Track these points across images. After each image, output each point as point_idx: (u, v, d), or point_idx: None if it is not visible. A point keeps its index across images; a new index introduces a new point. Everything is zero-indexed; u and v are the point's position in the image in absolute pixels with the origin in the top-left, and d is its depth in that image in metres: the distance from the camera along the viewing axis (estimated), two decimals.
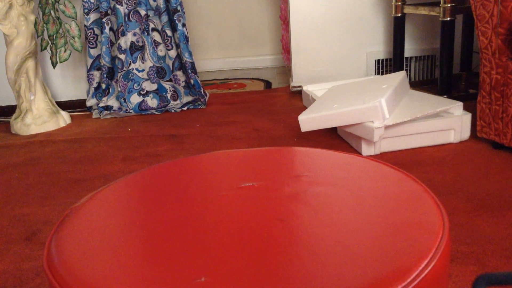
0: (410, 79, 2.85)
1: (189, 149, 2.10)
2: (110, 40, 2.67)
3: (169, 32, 2.67)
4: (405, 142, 1.88)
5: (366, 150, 1.87)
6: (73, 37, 2.55)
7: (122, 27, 2.60)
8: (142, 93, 2.70)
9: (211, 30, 3.81)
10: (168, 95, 2.73)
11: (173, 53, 2.69)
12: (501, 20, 1.65)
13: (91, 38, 2.68)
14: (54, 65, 2.61)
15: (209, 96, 2.88)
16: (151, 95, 2.71)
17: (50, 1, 2.49)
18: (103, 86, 2.72)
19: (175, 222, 0.65)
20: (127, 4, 2.60)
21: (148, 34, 2.66)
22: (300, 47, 2.79)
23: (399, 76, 2.04)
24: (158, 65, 2.71)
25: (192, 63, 2.68)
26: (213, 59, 3.84)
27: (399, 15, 2.55)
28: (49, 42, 2.59)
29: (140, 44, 2.67)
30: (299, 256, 0.55)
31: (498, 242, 1.24)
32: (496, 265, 1.15)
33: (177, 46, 2.68)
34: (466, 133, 1.91)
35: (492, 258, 1.18)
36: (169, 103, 2.73)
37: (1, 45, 2.77)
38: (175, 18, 2.62)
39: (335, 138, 2.07)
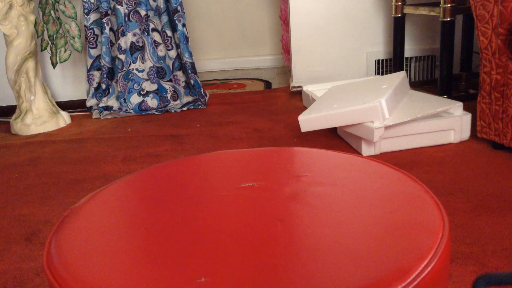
0: (410, 79, 2.86)
1: (189, 149, 2.10)
2: (110, 40, 2.67)
3: (169, 32, 2.67)
4: (405, 142, 1.88)
5: (366, 150, 1.87)
6: (73, 37, 2.55)
7: (122, 27, 2.60)
8: (142, 93, 2.70)
9: (211, 30, 3.81)
10: (168, 95, 2.73)
11: (173, 53, 2.69)
12: (501, 20, 1.65)
13: (91, 38, 2.68)
14: (54, 65, 2.62)
15: (209, 96, 2.88)
16: (151, 95, 2.71)
17: (50, 1, 2.49)
18: (103, 86, 2.72)
19: (175, 222, 0.65)
20: (127, 4, 2.60)
21: (148, 34, 2.66)
22: (300, 47, 2.79)
23: (399, 76, 2.04)
24: (158, 65, 2.71)
25: (192, 63, 2.68)
26: (213, 59, 3.85)
27: (399, 15, 2.55)
28: (49, 42, 2.59)
29: (140, 44, 2.67)
30: (299, 256, 0.55)
31: (498, 242, 1.24)
32: (496, 265, 1.15)
33: (177, 46, 2.68)
34: (466, 133, 1.91)
35: (492, 258, 1.18)
36: (169, 103, 2.73)
37: (1, 45, 2.77)
38: (175, 18, 2.62)
39: (335, 138, 2.07)
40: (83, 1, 2.62)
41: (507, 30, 1.66)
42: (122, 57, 2.63)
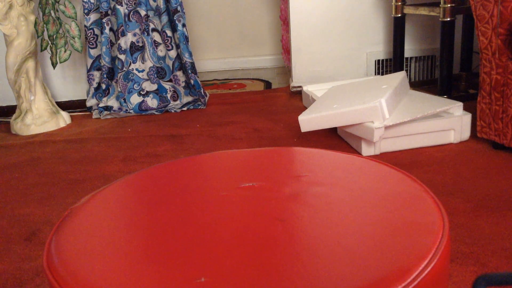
0: (410, 79, 2.86)
1: (189, 149, 2.10)
2: (110, 41, 2.67)
3: (169, 33, 2.67)
4: (405, 142, 1.88)
5: (366, 150, 1.87)
6: (73, 37, 2.55)
7: (122, 28, 2.60)
8: (142, 93, 2.70)
9: (211, 30, 3.81)
10: (168, 95, 2.73)
11: (173, 53, 2.69)
12: (501, 20, 1.65)
13: (91, 39, 2.68)
14: (54, 65, 2.62)
15: (209, 96, 2.88)
16: (151, 95, 2.71)
17: (50, 1, 2.49)
18: (103, 86, 2.72)
19: (175, 222, 0.65)
20: (127, 4, 2.60)
21: (148, 34, 2.66)
22: (300, 47, 2.79)
23: (399, 76, 2.04)
24: (158, 65, 2.71)
25: (192, 63, 2.68)
26: (213, 59, 3.85)
27: (399, 15, 2.55)
28: (49, 42, 2.59)
29: (140, 44, 2.67)
30: (299, 256, 0.55)
31: (498, 242, 1.24)
32: (496, 265, 1.15)
33: (177, 47, 2.68)
34: (466, 133, 1.91)
35: (492, 258, 1.18)
36: (169, 103, 2.73)
37: (1, 45, 2.77)
38: (175, 18, 2.62)
39: (335, 138, 2.07)
40: (83, 1, 2.62)
41: (507, 30, 1.66)
42: (122, 57, 2.63)
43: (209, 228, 0.63)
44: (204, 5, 3.75)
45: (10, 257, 1.37)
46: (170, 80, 2.74)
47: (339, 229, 0.60)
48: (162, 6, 2.61)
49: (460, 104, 1.89)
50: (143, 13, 2.63)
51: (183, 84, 2.74)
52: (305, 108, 2.58)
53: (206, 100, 2.76)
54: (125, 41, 2.62)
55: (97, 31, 2.68)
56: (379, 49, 2.81)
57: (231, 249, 0.58)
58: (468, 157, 1.78)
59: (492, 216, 1.37)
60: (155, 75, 2.71)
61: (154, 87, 2.72)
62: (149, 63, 2.69)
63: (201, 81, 3.13)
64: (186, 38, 2.64)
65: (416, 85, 2.78)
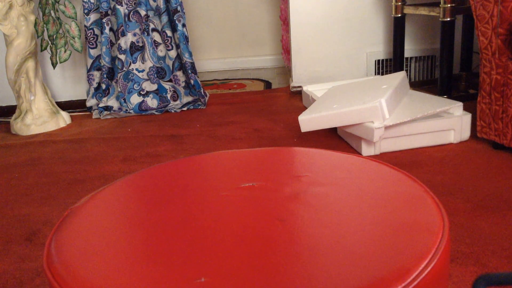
0: (410, 79, 2.85)
1: (189, 149, 2.10)
2: (110, 41, 2.67)
3: (169, 33, 2.67)
4: (405, 142, 1.88)
5: (366, 150, 1.87)
6: (73, 38, 2.55)
7: (122, 28, 2.60)
8: (142, 93, 2.70)
9: (211, 30, 3.81)
10: (168, 96, 2.73)
11: (173, 53, 2.69)
12: (501, 20, 1.65)
13: (91, 39, 2.68)
14: (54, 65, 2.62)
15: (209, 96, 2.88)
16: (151, 95, 2.71)
17: (50, 1, 2.49)
18: (103, 86, 2.72)
19: (175, 222, 0.65)
20: (127, 4, 2.60)
21: (148, 34, 2.66)
22: (300, 47, 2.79)
23: (399, 76, 2.04)
24: (158, 65, 2.71)
25: (192, 64, 2.68)
26: (213, 59, 3.84)
27: (399, 15, 2.55)
28: (49, 42, 2.59)
29: (140, 44, 2.67)
30: (299, 256, 0.55)
31: (498, 242, 1.24)
32: (496, 265, 1.15)
33: (177, 47, 2.68)
34: (466, 134, 1.91)
35: (492, 258, 1.18)
36: (169, 104, 2.73)
37: (1, 45, 2.77)
38: (175, 18, 2.62)
39: (335, 138, 2.07)
40: (83, 1, 2.62)
41: (507, 30, 1.66)
42: (122, 57, 2.63)
43: (209, 228, 0.63)
44: (204, 5, 3.75)
45: (10, 257, 1.37)
46: (170, 80, 2.74)
47: (339, 229, 0.60)
48: (162, 6, 2.61)
49: (460, 104, 1.89)
50: (143, 13, 2.63)
51: (183, 84, 2.74)
52: (305, 108, 2.58)
53: (206, 100, 2.76)
54: (125, 41, 2.62)
55: (97, 31, 2.68)
56: (379, 49, 2.81)
57: (231, 249, 0.58)
58: (468, 157, 1.78)
59: (492, 216, 1.37)
60: (155, 75, 2.71)
61: (154, 87, 2.72)
62: (149, 63, 2.69)
63: (201, 81, 3.13)
64: (186, 38, 2.64)
65: (416, 85, 2.78)
